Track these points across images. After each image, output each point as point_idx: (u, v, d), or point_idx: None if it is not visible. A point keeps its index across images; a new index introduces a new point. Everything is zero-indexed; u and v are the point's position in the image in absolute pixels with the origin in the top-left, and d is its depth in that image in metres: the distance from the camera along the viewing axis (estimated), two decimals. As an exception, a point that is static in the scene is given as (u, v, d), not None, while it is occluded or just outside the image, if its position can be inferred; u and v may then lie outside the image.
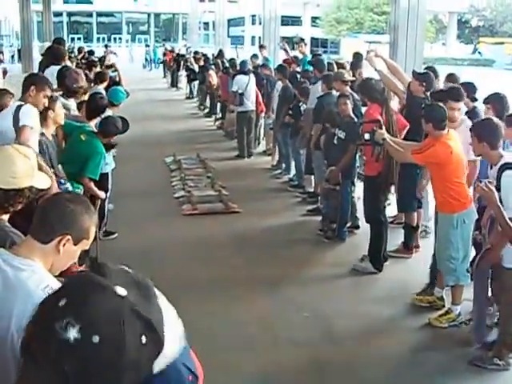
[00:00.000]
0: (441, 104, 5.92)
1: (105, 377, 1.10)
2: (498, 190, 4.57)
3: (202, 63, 20.43)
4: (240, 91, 12.72)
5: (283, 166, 11.55)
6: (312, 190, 9.78)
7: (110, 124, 6.82)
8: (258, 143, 14.06)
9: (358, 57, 9.94)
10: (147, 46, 50.63)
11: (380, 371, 4.95)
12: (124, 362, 1.10)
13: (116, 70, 12.24)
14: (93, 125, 7.06)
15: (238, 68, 14.18)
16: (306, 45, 13.54)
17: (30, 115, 5.02)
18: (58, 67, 7.76)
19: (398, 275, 6.88)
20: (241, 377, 4.71)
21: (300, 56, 13.67)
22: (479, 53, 59.46)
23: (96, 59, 13.85)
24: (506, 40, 57.49)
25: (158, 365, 1.20)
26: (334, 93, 8.61)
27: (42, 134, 5.50)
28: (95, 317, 1.10)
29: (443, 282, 5.91)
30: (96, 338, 1.08)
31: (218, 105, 17.44)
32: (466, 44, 66.88)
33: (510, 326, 4.92)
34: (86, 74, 11.03)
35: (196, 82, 21.82)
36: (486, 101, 6.59)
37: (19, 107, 5.09)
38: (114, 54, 16.94)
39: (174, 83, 27.79)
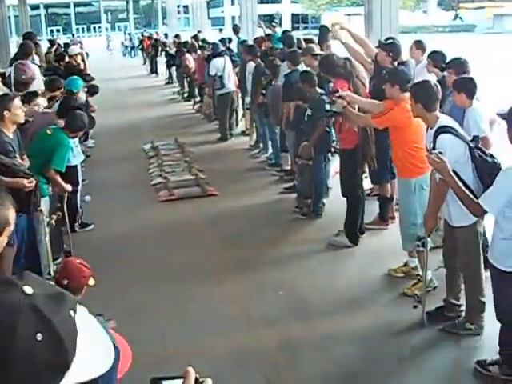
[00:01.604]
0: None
1: None
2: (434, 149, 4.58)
3: (177, 47, 20.29)
4: (219, 74, 12.66)
5: (261, 145, 11.53)
6: (289, 167, 9.77)
7: (77, 119, 6.77)
8: (237, 124, 14.02)
9: (323, 30, 9.87)
10: (126, 33, 50.28)
11: (354, 347, 4.96)
12: (14, 350, 1.13)
13: (83, 60, 12.14)
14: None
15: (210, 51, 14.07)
16: (276, 24, 13.41)
17: None
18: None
19: (373, 248, 6.88)
20: (214, 359, 4.71)
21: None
22: (460, 18, 59.35)
23: (63, 51, 13.65)
24: (487, 4, 57.36)
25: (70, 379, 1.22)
26: (300, 69, 8.57)
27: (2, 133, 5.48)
28: None
29: (414, 251, 5.93)
30: None
31: (196, 88, 17.35)
32: (446, 11, 66.60)
33: (473, 287, 4.91)
34: (55, 67, 10.98)
35: (175, 67, 21.69)
36: (447, 66, 6.57)
37: None
38: (80, 43, 16.80)
39: (154, 69, 27.60)
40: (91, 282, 4.28)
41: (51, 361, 1.17)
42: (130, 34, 47.19)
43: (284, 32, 12.13)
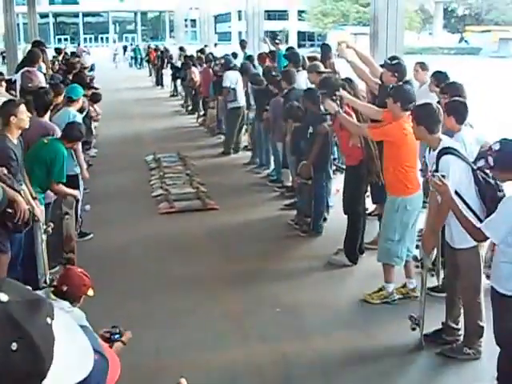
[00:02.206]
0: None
1: None
2: (436, 172, 4.58)
3: (183, 60, 20.40)
4: (232, 86, 12.66)
5: (257, 160, 11.62)
6: (290, 184, 9.76)
7: (74, 129, 6.74)
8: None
9: (325, 48, 9.90)
10: (132, 45, 50.92)
11: (349, 367, 4.93)
12: None
13: (92, 70, 12.20)
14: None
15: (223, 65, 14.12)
16: (280, 41, 13.46)
17: None
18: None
19: (372, 268, 6.83)
20: (207, 374, 4.68)
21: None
22: (466, 41, 59.57)
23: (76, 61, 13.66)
24: (493, 28, 57.58)
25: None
26: (297, 88, 8.61)
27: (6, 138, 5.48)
28: None
29: (411, 272, 6.02)
30: None
31: (201, 102, 17.39)
32: (452, 33, 66.92)
33: (474, 311, 4.88)
34: (64, 77, 11.00)
35: (180, 80, 21.76)
36: (442, 89, 6.54)
37: None
38: (87, 53, 16.83)
39: (159, 81, 27.69)
40: (90, 292, 4.25)
41: (27, 370, 1.16)
42: (137, 46, 47.57)
43: (288, 49, 12.17)
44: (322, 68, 8.78)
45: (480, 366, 4.87)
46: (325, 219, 8.09)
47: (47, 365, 1.19)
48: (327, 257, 7.07)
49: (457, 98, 5.77)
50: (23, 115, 5.64)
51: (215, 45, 25.54)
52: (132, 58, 43.97)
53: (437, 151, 4.75)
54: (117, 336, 4.13)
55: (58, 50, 17.29)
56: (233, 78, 12.67)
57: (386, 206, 5.96)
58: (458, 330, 5.09)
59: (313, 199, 7.76)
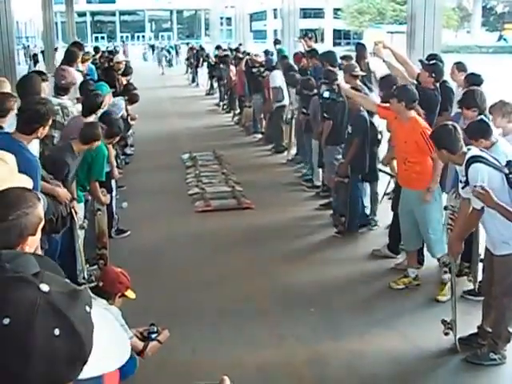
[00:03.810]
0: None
1: (13, 358, 1.17)
2: (467, 183, 4.63)
3: (219, 59, 20.50)
4: (280, 86, 12.64)
5: (299, 159, 11.62)
6: (319, 183, 9.82)
7: (113, 125, 6.80)
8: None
9: (360, 47, 9.77)
10: (162, 43, 51.80)
11: (382, 368, 4.92)
12: (33, 346, 1.17)
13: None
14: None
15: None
16: (310, 38, 13.33)
17: None
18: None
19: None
20: (242, 373, 4.70)
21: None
22: (504, 39, 58.57)
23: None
24: (533, 26, 56.60)
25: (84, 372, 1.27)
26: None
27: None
28: (10, 303, 1.19)
29: (414, 261, 6.40)
30: (6, 320, 1.17)
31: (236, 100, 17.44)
32: (491, 31, 65.89)
33: (505, 317, 4.84)
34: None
35: (216, 78, 21.87)
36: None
37: None
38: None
39: (194, 79, 27.85)
40: (131, 294, 4.28)
41: (69, 355, 1.21)
42: (170, 45, 48.16)
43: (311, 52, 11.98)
44: (358, 69, 8.69)
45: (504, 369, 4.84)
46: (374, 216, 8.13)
47: (88, 351, 1.25)
48: (362, 258, 7.08)
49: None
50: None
51: (240, 44, 25.54)
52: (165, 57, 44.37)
53: (464, 163, 4.70)
54: (154, 335, 4.18)
55: (95, 50, 17.52)
56: (279, 78, 12.66)
57: (419, 201, 6.08)
58: None
59: (348, 199, 7.77)
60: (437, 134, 5.11)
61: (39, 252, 2.64)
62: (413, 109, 6.11)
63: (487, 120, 5.68)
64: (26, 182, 2.82)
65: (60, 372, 1.21)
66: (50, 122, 4.73)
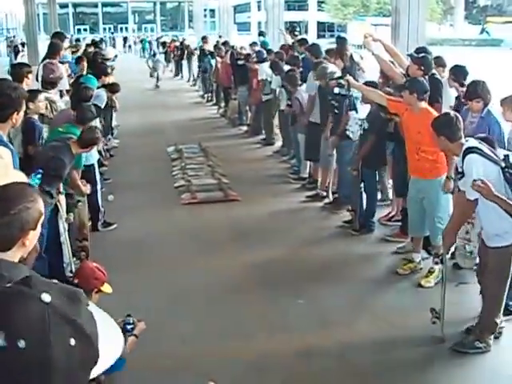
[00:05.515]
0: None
1: (35, 378, 1.15)
2: (463, 174, 4.68)
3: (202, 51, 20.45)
4: (268, 78, 12.57)
5: (284, 151, 11.63)
6: (306, 175, 9.83)
7: (85, 111, 6.66)
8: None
9: (341, 41, 9.58)
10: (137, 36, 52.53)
11: (373, 358, 4.95)
12: (52, 363, 1.16)
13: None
14: None
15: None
16: (298, 33, 13.35)
17: None
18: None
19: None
20: (232, 364, 4.73)
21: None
22: (487, 33, 58.88)
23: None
24: (516, 19, 56.91)
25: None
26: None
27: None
28: (19, 323, 1.16)
29: (419, 246, 6.55)
30: (22, 343, 1.14)
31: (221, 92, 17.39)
32: (473, 24, 66.17)
33: (493, 308, 4.88)
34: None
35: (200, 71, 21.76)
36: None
37: None
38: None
39: (179, 72, 27.73)
40: (107, 289, 4.22)
41: (84, 360, 1.22)
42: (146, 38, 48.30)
43: (301, 40, 11.99)
44: (330, 68, 8.57)
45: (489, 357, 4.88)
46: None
47: (97, 350, 1.25)
48: (349, 246, 7.12)
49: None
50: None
51: (220, 36, 25.60)
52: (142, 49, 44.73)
53: (461, 153, 4.75)
54: (130, 326, 4.13)
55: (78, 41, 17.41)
56: (268, 71, 12.61)
57: (430, 190, 6.24)
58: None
59: (359, 195, 7.76)
60: (438, 121, 5.26)
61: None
62: (424, 100, 6.26)
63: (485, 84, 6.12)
64: (20, 176, 2.80)
65: (76, 380, 1.21)
66: (24, 106, 4.54)
